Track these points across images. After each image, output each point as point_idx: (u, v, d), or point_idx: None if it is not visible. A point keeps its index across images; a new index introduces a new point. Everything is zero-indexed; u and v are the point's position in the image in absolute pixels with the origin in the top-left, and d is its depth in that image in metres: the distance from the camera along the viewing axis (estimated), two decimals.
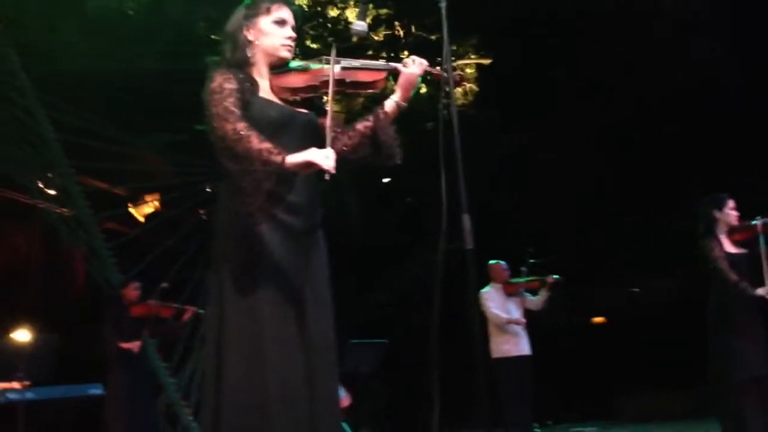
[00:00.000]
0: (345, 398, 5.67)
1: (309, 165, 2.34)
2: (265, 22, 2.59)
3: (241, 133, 2.36)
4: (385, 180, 9.38)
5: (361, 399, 6.24)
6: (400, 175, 8.98)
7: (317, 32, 8.26)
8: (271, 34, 2.59)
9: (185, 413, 7.49)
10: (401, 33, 8.02)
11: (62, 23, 7.26)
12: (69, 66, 7.48)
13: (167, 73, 7.37)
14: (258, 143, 2.34)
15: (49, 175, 7.67)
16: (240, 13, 2.62)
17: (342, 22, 8.13)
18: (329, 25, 8.20)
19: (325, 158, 2.32)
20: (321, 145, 2.43)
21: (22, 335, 6.08)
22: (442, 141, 2.63)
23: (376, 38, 8.12)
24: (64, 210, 7.81)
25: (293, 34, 2.62)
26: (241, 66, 2.56)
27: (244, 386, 2.36)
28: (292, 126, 2.54)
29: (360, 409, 6.16)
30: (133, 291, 6.96)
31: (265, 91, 2.57)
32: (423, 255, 9.85)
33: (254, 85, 2.54)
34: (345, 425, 4.84)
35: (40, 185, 7.68)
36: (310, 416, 2.39)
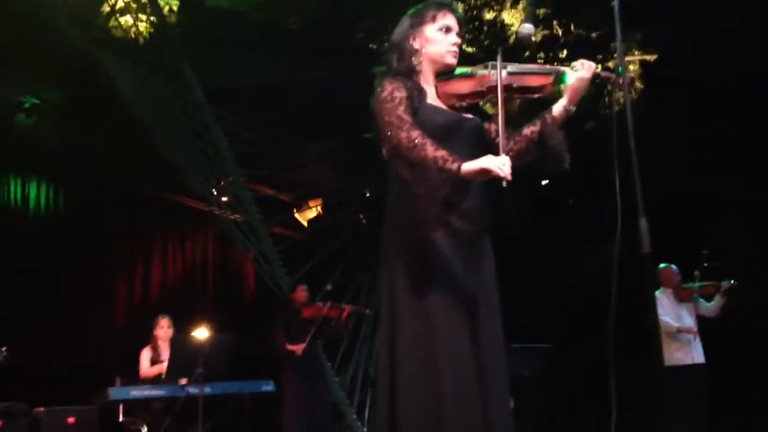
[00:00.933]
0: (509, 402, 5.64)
1: (485, 172, 2.33)
2: (430, 30, 2.62)
3: (416, 141, 2.38)
4: (544, 182, 9.21)
5: (524, 404, 6.18)
6: (559, 177, 8.79)
7: (473, 36, 8.24)
8: (437, 41, 2.61)
9: (349, 412, 7.71)
10: (559, 32, 7.84)
11: (228, 37, 7.68)
12: (237, 79, 7.91)
13: (328, 83, 7.62)
14: (433, 151, 2.36)
15: (223, 183, 8.12)
16: (405, 22, 2.66)
17: (498, 25, 8.07)
18: (485, 28, 8.15)
19: (501, 165, 2.31)
20: (488, 149, 2.44)
21: (201, 333, 6.48)
22: (615, 141, 2.55)
23: (533, 39, 8.01)
24: (237, 216, 8.25)
25: (458, 40, 2.64)
26: (408, 74, 2.59)
27: (417, 385, 2.39)
28: (460, 131, 2.56)
29: (523, 414, 6.09)
30: (301, 293, 7.36)
31: (432, 97, 2.59)
32: (585, 258, 9.58)
33: (421, 92, 2.56)
34: None
35: (215, 193, 8.16)
36: (484, 418, 2.39)
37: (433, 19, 2.63)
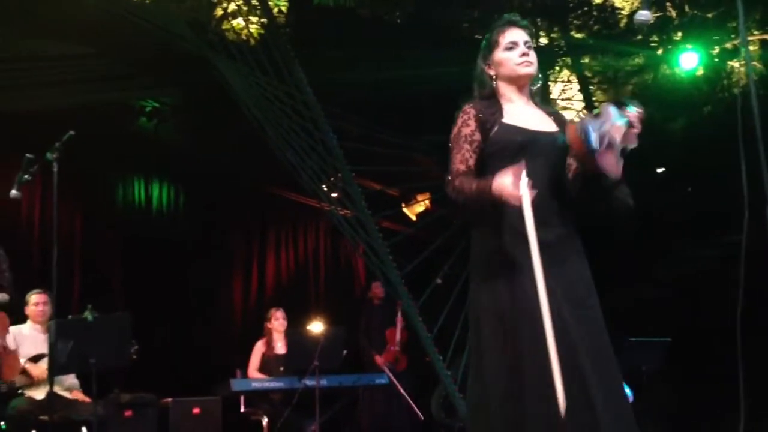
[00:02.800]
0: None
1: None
2: (498, 54, 2.78)
3: (457, 185, 2.66)
4: (660, 170, 8.90)
5: (644, 398, 6.02)
6: (675, 164, 8.48)
7: (581, 21, 8.05)
8: (505, 61, 2.76)
9: (462, 404, 7.69)
10: (673, 13, 7.54)
11: (336, 34, 7.79)
12: (345, 75, 8.02)
13: (434, 76, 7.62)
14: (470, 184, 2.60)
15: (332, 179, 8.25)
16: (480, 56, 2.85)
17: (608, 9, 7.84)
18: (594, 12, 7.94)
19: (507, 189, 2.48)
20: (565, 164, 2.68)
21: (316, 327, 6.64)
22: (741, 129, 2.47)
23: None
24: (346, 211, 8.37)
25: (526, 50, 2.75)
26: (490, 97, 2.78)
27: (499, 380, 2.53)
28: (534, 147, 2.68)
29: (643, 408, 5.94)
30: (376, 289, 7.51)
31: (511, 115, 2.74)
32: (700, 248, 9.19)
33: (498, 113, 2.72)
34: None
35: (325, 189, 8.30)
36: (591, 412, 2.40)
37: (498, 43, 2.78)
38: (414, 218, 10.05)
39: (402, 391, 7.06)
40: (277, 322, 6.80)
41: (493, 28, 2.83)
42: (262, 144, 7.86)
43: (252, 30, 7.75)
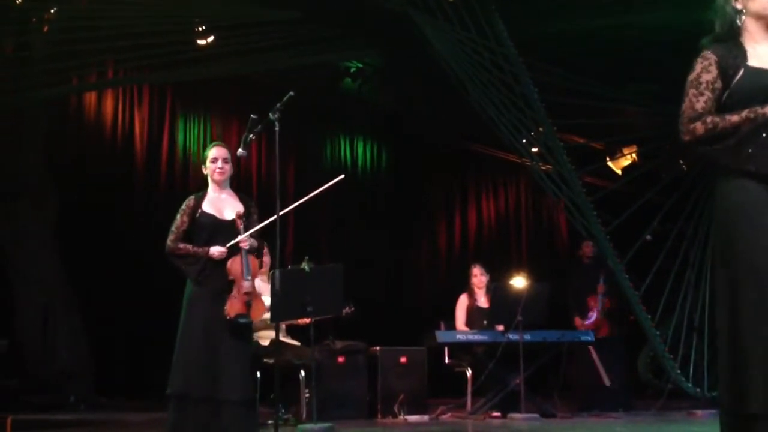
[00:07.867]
0: None
1: None
2: None
3: (715, 122, 2.51)
4: None
5: None
6: None
7: None
8: None
9: (673, 366, 7.38)
10: None
11: None
12: (548, 27, 7.80)
13: (641, 23, 7.24)
14: (737, 115, 2.46)
15: (533, 133, 8.10)
16: None
17: None
18: None
19: None
20: None
21: (518, 282, 6.62)
22: None
23: None
24: (548, 166, 8.20)
25: None
26: (731, 37, 2.58)
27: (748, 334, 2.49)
28: None
29: None
30: (586, 248, 7.28)
31: (757, 57, 2.55)
32: None
33: (741, 56, 2.54)
34: None
35: (525, 143, 8.18)
36: None
37: None
38: (619, 172, 9.67)
39: (595, 357, 6.91)
40: (476, 278, 6.86)
41: None
42: (462, 100, 7.86)
43: None
